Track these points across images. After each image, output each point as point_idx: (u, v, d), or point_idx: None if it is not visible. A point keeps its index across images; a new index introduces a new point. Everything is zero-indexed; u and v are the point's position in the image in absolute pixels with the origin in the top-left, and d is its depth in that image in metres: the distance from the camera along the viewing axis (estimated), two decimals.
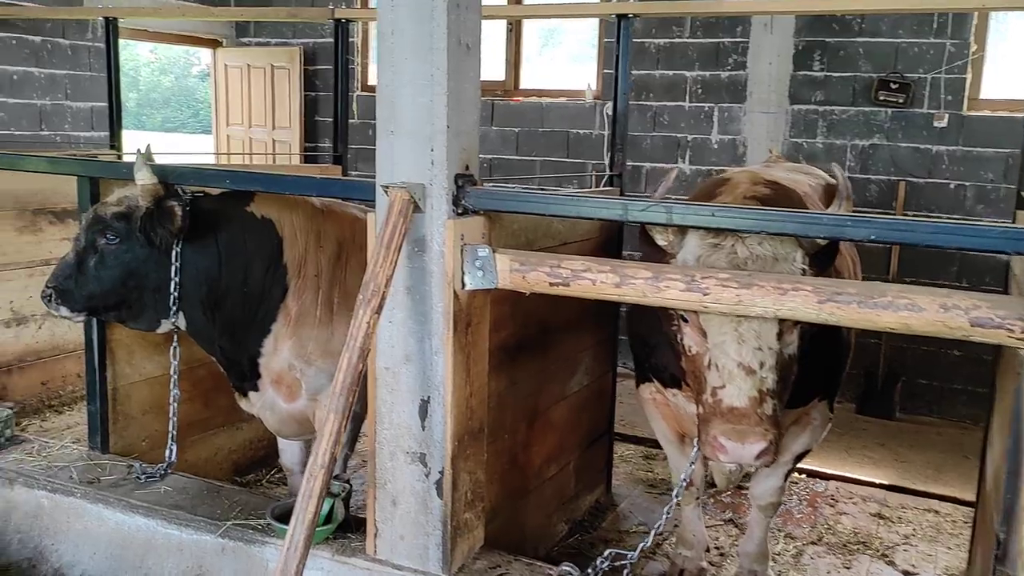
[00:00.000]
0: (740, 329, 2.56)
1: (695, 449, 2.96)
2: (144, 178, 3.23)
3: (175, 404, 3.63)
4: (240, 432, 4.67)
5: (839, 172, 2.61)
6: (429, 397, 2.83)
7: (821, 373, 3.20)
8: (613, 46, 7.17)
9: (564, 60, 8.48)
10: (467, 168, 2.79)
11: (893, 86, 6.20)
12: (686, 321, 2.71)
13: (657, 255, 2.80)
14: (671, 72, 7.01)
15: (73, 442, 4.02)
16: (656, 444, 5.55)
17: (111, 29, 5.65)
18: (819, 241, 2.64)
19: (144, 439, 4.08)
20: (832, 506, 4.76)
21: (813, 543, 4.31)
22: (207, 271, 3.36)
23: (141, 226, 3.26)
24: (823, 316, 2.29)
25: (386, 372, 2.88)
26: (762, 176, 3.25)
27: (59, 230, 5.49)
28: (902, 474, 5.38)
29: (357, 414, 3.78)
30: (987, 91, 6.24)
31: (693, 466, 3.04)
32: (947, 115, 6.19)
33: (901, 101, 6.21)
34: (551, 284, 2.63)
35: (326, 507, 3.13)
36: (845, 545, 4.29)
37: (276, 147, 8.43)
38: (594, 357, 4.33)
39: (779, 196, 3.07)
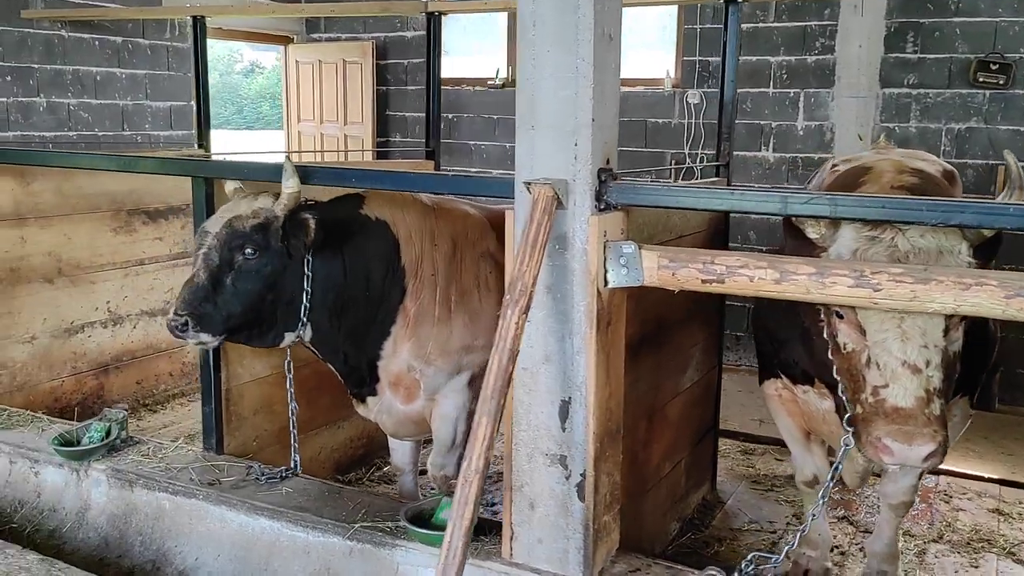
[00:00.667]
0: (903, 326, 2.44)
1: (843, 448, 2.85)
2: (293, 186, 3.15)
3: (294, 417, 3.63)
4: (341, 431, 4.65)
5: (1012, 159, 2.47)
6: (570, 398, 2.76)
7: (967, 368, 3.06)
8: (693, 32, 7.07)
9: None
10: (607, 162, 2.71)
11: (993, 67, 5.98)
12: (840, 317, 2.60)
13: (806, 248, 2.69)
14: (754, 58, 6.84)
15: (173, 439, 4.03)
16: (753, 439, 5.49)
17: (199, 28, 5.65)
18: (984, 232, 2.51)
19: (255, 439, 4.07)
20: (947, 502, 4.60)
21: (935, 541, 4.17)
22: (334, 278, 3.31)
23: (281, 236, 3.19)
24: (1010, 312, 2.17)
25: (524, 372, 2.82)
26: (905, 164, 3.11)
27: (152, 230, 5.55)
28: (1011, 468, 5.19)
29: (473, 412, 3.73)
30: None
31: (840, 467, 2.92)
32: None
33: (1001, 82, 5.99)
34: (703, 281, 2.54)
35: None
36: (968, 543, 4.15)
37: (348, 143, 8.42)
38: (704, 351, 4.23)
39: (927, 184, 2.94)
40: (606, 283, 2.68)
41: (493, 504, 4.50)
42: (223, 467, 3.73)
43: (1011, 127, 6.09)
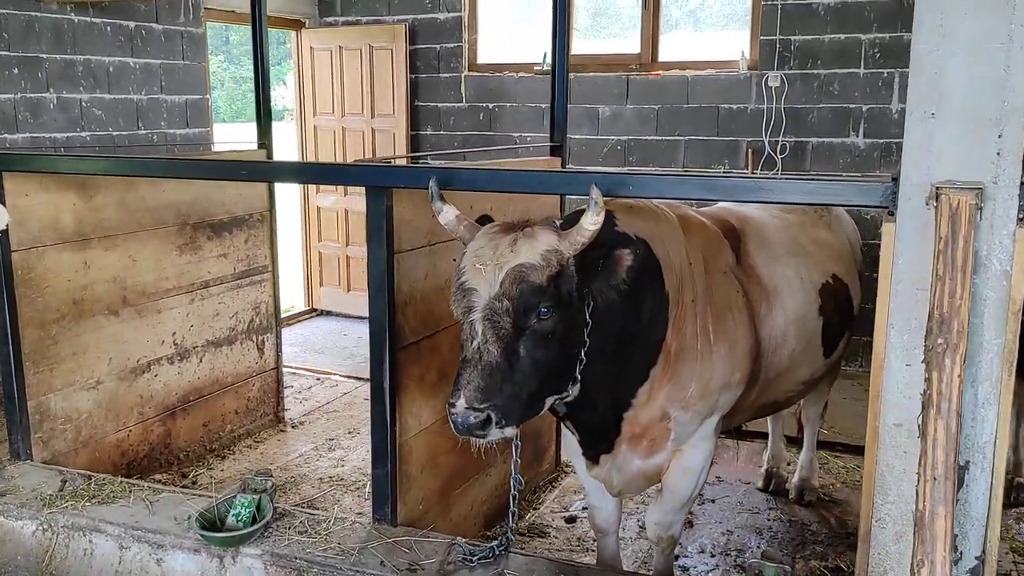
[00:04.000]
0: None
1: None
2: (599, 221, 2.37)
3: (516, 493, 2.93)
4: (489, 479, 3.95)
5: None
6: (967, 462, 2.16)
7: None
8: (773, 10, 6.52)
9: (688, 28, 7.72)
10: None
11: None
12: None
13: None
14: (843, 36, 6.32)
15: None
16: None
17: (258, 6, 4.82)
18: None
19: (421, 502, 3.36)
20: None
21: None
22: (614, 319, 2.62)
23: (578, 285, 2.44)
24: None
25: (897, 431, 2.21)
26: None
27: (216, 246, 4.75)
28: None
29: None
30: None
31: None
32: None
33: None
34: None
35: None
36: None
37: (377, 137, 7.62)
38: None
39: None
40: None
41: (678, 557, 3.88)
42: (409, 543, 3.02)
43: None
